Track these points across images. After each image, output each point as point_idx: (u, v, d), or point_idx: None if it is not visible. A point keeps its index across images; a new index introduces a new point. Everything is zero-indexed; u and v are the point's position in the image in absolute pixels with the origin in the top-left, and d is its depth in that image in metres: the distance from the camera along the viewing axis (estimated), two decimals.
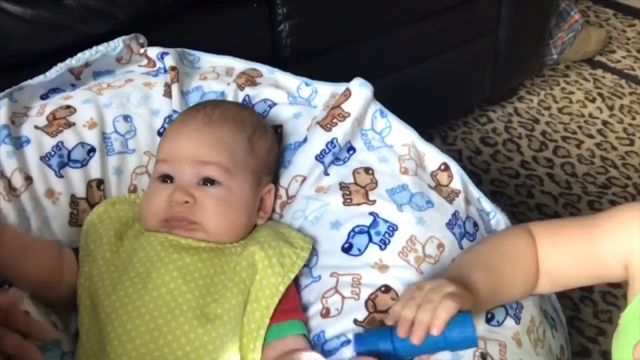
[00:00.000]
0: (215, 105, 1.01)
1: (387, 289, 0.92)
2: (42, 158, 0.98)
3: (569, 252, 0.89)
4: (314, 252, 0.96)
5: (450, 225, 0.99)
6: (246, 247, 0.93)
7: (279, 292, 0.89)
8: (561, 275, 0.91)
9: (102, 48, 1.09)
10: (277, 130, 1.08)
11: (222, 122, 0.97)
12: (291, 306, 0.91)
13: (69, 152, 0.99)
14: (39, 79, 1.06)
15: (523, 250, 0.91)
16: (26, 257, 0.86)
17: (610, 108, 2.13)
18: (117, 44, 1.10)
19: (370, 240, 0.95)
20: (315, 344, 0.90)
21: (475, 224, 1.02)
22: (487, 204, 1.06)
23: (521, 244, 0.92)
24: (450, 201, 1.02)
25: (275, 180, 1.04)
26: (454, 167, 1.05)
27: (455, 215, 1.00)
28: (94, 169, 1.00)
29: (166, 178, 0.95)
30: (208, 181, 0.94)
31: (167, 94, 1.07)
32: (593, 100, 2.16)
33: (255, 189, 0.97)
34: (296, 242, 0.95)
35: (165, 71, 1.10)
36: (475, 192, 1.06)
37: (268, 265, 0.90)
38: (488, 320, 0.91)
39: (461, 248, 0.98)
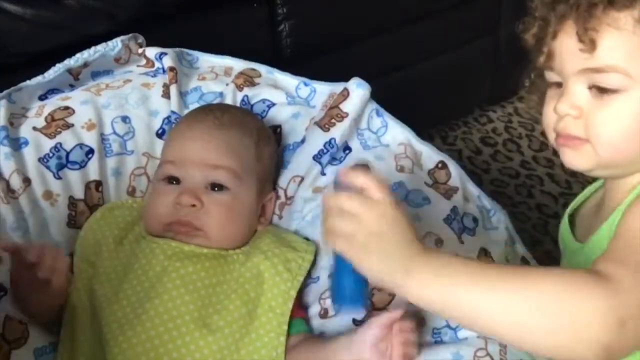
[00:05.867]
0: (223, 109, 1.01)
1: None
2: (40, 159, 0.97)
3: None
4: None
5: (448, 220, 0.98)
6: (249, 255, 0.93)
7: (291, 297, 0.89)
8: None
9: (100, 48, 1.08)
10: (276, 131, 1.08)
11: (230, 126, 0.96)
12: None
13: (68, 154, 0.99)
14: (38, 79, 1.05)
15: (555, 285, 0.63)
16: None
17: None
18: (115, 44, 1.09)
19: None
20: None
21: (475, 219, 1.01)
22: (487, 202, 1.05)
23: (562, 280, 0.63)
24: (449, 197, 1.01)
25: (275, 181, 1.04)
26: (452, 165, 1.05)
27: (454, 210, 1.00)
28: (93, 171, 1.00)
29: (172, 180, 0.94)
30: (216, 186, 0.93)
31: (166, 94, 1.07)
32: None
33: (259, 195, 0.97)
34: (299, 245, 0.95)
35: (164, 72, 1.10)
36: (475, 190, 1.06)
37: (275, 273, 0.90)
38: None
39: (461, 243, 0.97)
